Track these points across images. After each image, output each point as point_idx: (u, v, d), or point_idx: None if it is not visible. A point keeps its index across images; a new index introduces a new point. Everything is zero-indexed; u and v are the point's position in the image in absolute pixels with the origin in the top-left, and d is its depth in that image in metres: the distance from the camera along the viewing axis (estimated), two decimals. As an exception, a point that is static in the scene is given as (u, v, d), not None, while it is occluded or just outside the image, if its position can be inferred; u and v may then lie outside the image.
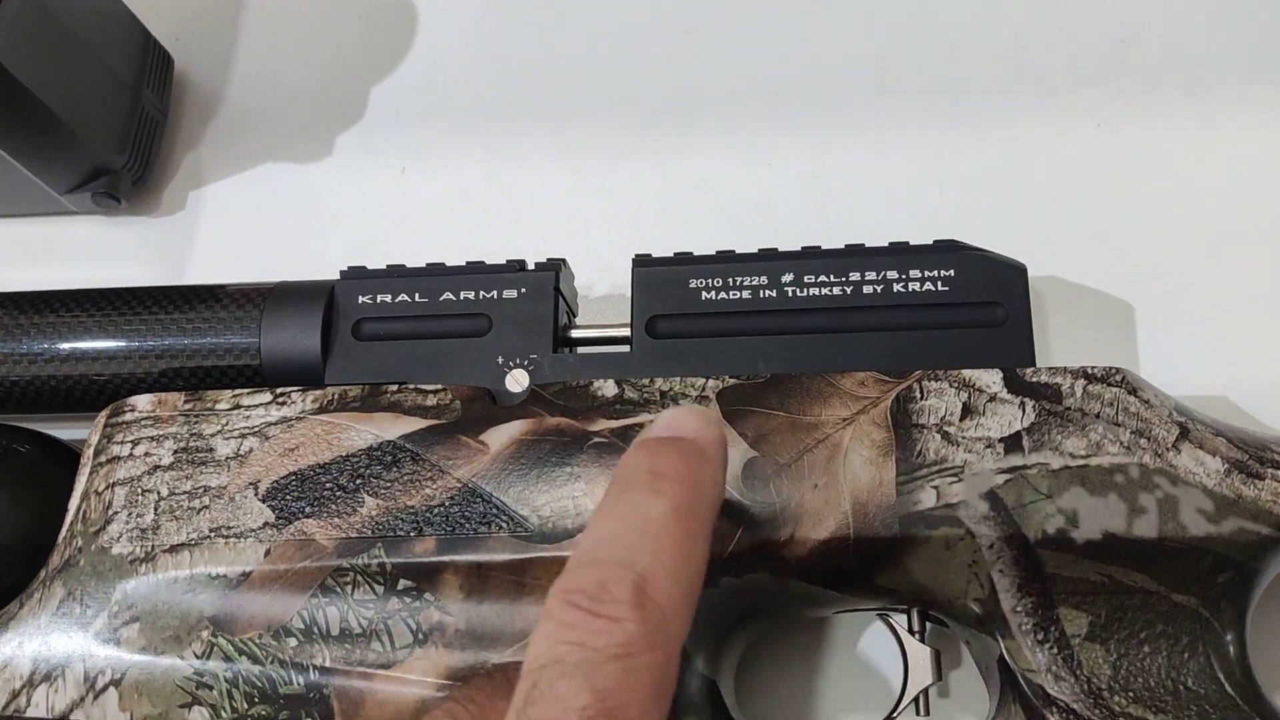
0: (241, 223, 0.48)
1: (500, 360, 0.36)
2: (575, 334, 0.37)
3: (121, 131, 0.46)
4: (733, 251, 0.37)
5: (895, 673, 0.34)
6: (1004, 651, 0.31)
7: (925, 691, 0.33)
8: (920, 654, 0.33)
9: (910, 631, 0.33)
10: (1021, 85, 0.45)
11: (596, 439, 0.33)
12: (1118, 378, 0.32)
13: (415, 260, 0.44)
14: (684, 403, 0.33)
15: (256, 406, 0.35)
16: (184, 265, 0.47)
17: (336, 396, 0.35)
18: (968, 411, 0.32)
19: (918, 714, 0.33)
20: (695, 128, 0.46)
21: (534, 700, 0.23)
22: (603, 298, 0.44)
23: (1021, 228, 0.42)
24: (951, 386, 0.32)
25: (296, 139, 0.49)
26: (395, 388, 0.35)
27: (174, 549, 0.33)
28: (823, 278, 0.35)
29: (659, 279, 0.36)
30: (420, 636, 0.32)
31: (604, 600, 0.24)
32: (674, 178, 0.46)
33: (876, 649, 0.36)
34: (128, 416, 0.35)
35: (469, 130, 0.48)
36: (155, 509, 0.34)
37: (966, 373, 0.33)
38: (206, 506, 0.34)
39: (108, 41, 0.45)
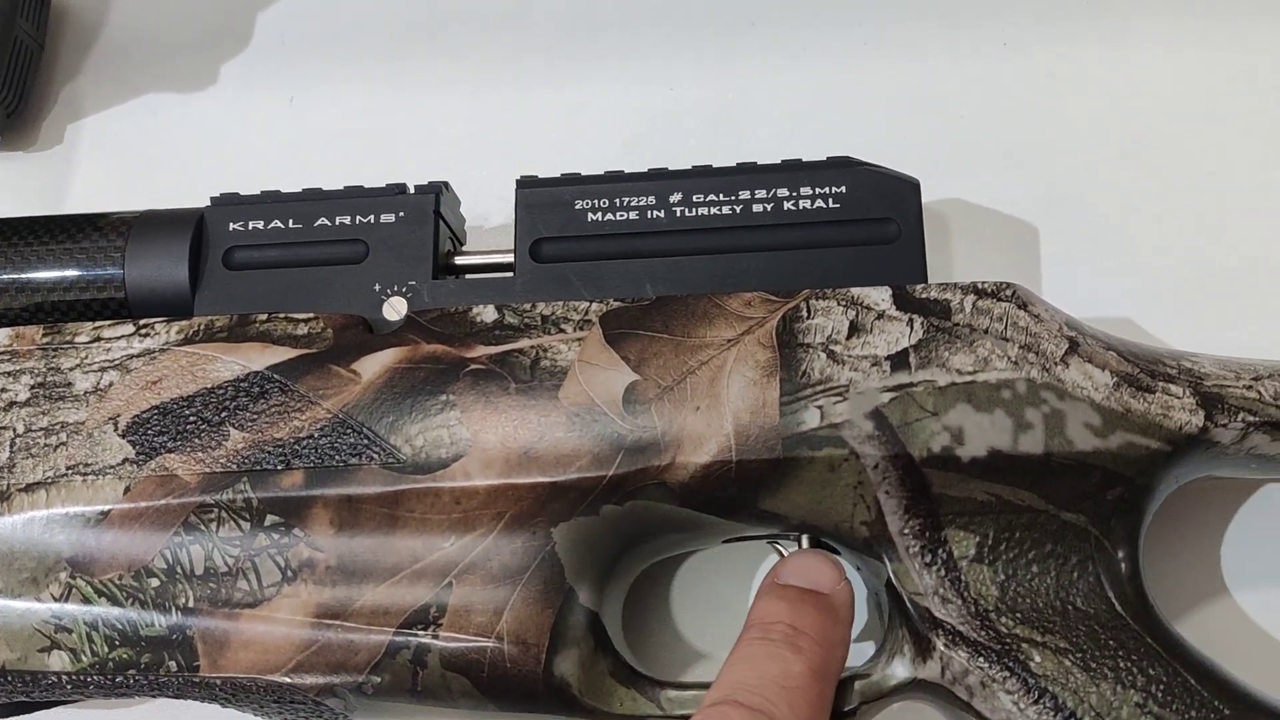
0: (123, 157, 0.46)
1: (377, 288, 0.34)
2: (458, 260, 0.36)
3: (-10, 61, 0.43)
4: (621, 172, 0.35)
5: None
6: (891, 575, 0.30)
7: (816, 619, 0.32)
8: (809, 580, 0.32)
9: (799, 558, 0.32)
10: (927, 3, 0.43)
11: (474, 365, 0.32)
12: (1008, 292, 0.31)
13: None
14: (561, 327, 0.32)
15: (118, 339, 0.33)
16: (61, 201, 0.45)
17: (202, 327, 0.33)
18: (855, 330, 0.31)
19: (810, 643, 0.32)
20: (593, 49, 0.45)
21: None
22: (499, 227, 0.42)
23: (925, 148, 0.41)
24: (840, 305, 0.31)
25: (180, 68, 0.46)
26: (265, 317, 0.33)
27: (30, 488, 0.32)
28: (712, 197, 0.34)
29: (543, 200, 0.35)
30: (289, 574, 0.31)
31: None
32: (572, 102, 0.44)
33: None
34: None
35: (358, 57, 0.46)
36: (11, 447, 0.32)
37: (855, 291, 0.31)
38: (64, 443, 0.32)
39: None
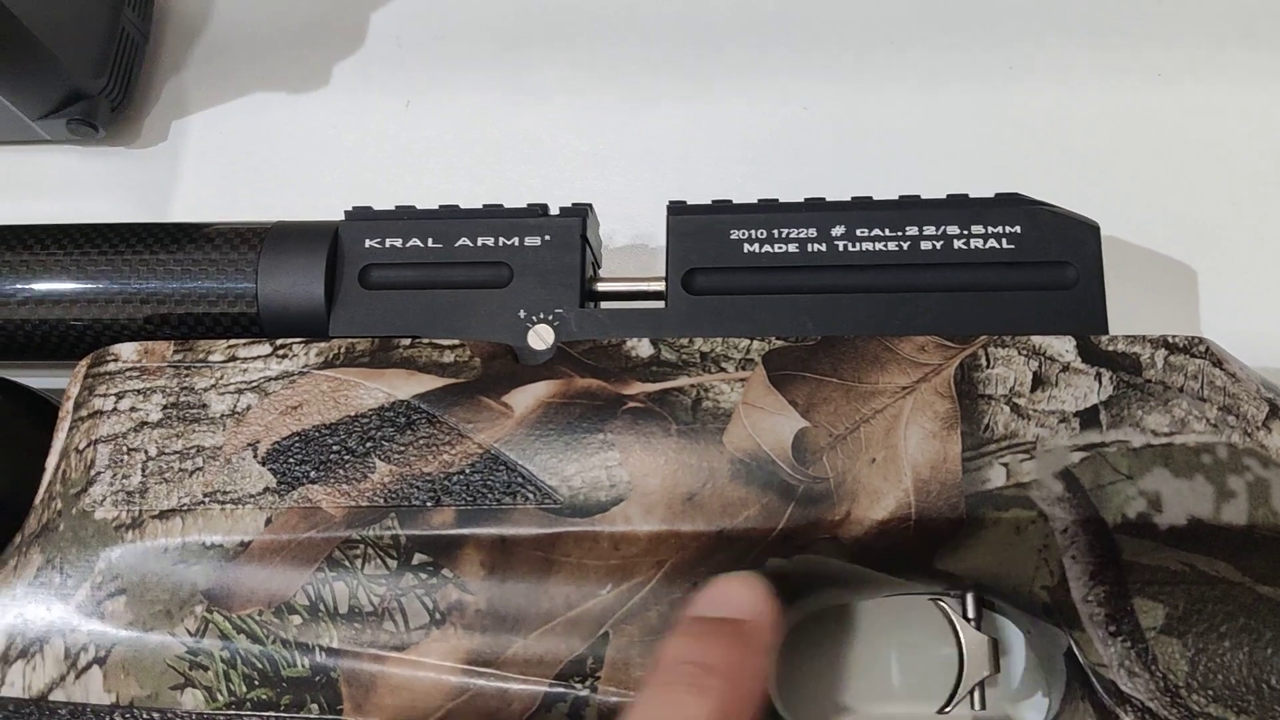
0: (228, 157, 0.44)
1: (522, 314, 0.33)
2: (602, 287, 0.34)
3: (100, 52, 0.42)
4: (776, 200, 0.34)
5: (947, 662, 0.31)
6: (1073, 644, 0.29)
7: (982, 683, 0.31)
8: (977, 643, 0.31)
9: (965, 618, 0.31)
10: (1078, 32, 0.42)
11: (631, 404, 0.30)
12: (1201, 348, 0.30)
13: (422, 201, 0.41)
14: (722, 365, 0.30)
15: (254, 359, 0.32)
16: (166, 201, 0.43)
17: (343, 350, 0.32)
18: (1039, 382, 0.29)
19: (972, 707, 0.31)
20: (723, 64, 0.43)
21: None
22: (625, 247, 0.41)
23: (1073, 182, 0.40)
24: (1020, 354, 0.30)
25: (288, 66, 0.45)
26: (408, 342, 0.32)
27: (164, 515, 0.30)
28: (876, 231, 0.32)
29: (697, 229, 0.33)
30: (438, 616, 0.29)
31: None
32: (700, 118, 0.42)
33: (926, 635, 0.34)
34: (111, 367, 0.32)
35: (475, 62, 0.44)
36: (143, 470, 0.31)
37: (1036, 339, 0.30)
38: (200, 468, 0.31)
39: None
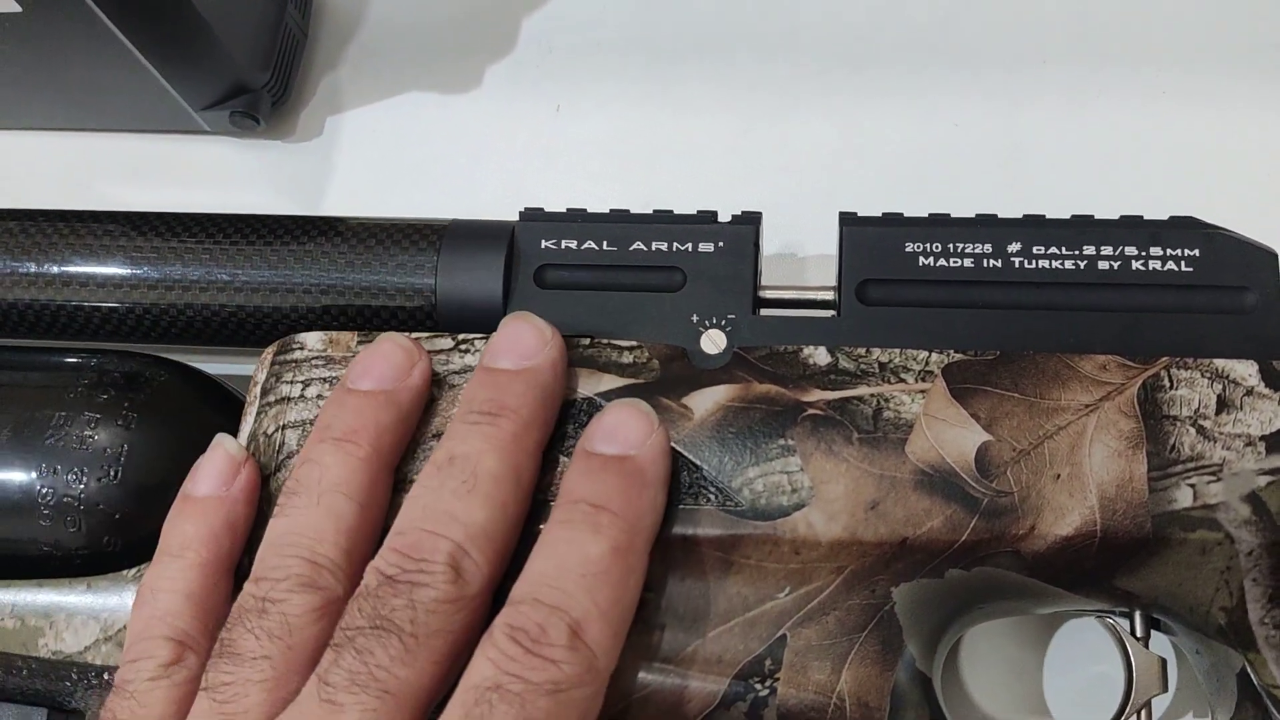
0: (382, 154, 0.45)
1: (695, 318, 0.33)
2: (772, 294, 0.35)
3: (266, 47, 0.43)
4: (948, 215, 0.34)
5: (1113, 679, 0.32)
6: (1247, 665, 0.29)
7: (1149, 702, 0.31)
8: (1147, 661, 0.31)
9: (1135, 636, 0.31)
10: (1232, 55, 0.42)
11: (811, 410, 0.31)
12: (1387, 378, 0.30)
13: (573, 205, 0.42)
14: (901, 376, 0.31)
15: (437, 353, 0.33)
16: (320, 195, 0.45)
17: (526, 347, 0.32)
18: (1223, 405, 0.30)
19: (1139, 725, 0.31)
20: (873, 78, 0.44)
21: (474, 717, 0.25)
22: (774, 256, 0.41)
23: (1229, 209, 0.40)
24: (1204, 376, 0.30)
25: (441, 67, 0.46)
26: (588, 341, 0.33)
27: (353, 500, 0.31)
28: (1053, 249, 0.33)
29: (871, 240, 0.34)
30: (618, 611, 0.30)
31: (542, 642, 0.26)
32: (849, 131, 0.43)
33: (1092, 651, 0.34)
34: (297, 354, 0.33)
35: (626, 68, 0.45)
36: (330, 455, 0.32)
37: (1219, 362, 0.30)
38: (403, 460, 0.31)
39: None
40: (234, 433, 0.33)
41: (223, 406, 0.35)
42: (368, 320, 0.35)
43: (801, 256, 0.41)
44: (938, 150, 0.42)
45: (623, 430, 0.29)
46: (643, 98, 0.44)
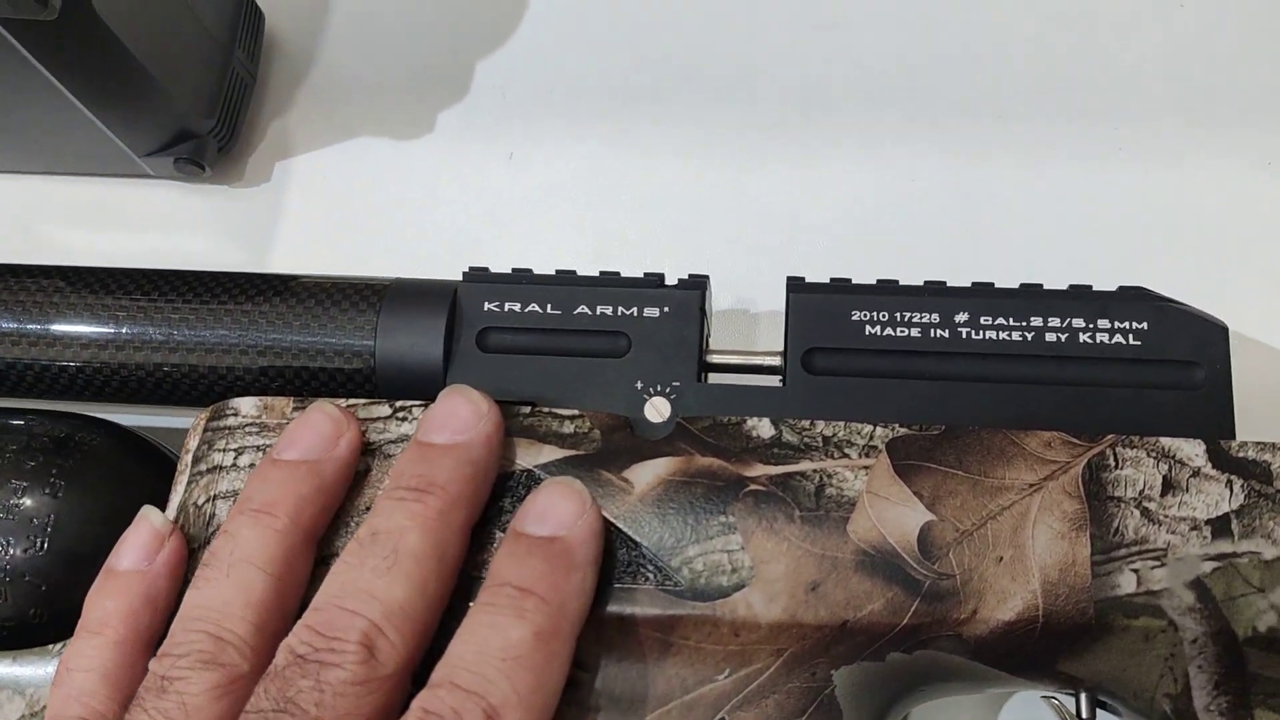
0: (332, 199, 0.44)
1: (639, 385, 0.33)
2: (716, 358, 0.34)
3: (211, 92, 0.42)
4: (896, 282, 0.33)
5: (1055, 758, 0.31)
6: (1192, 752, 0.29)
7: (1093, 783, 0.30)
8: (1091, 744, 0.30)
9: (1079, 717, 0.31)
10: (1187, 115, 0.42)
11: (754, 486, 0.30)
12: (1335, 460, 0.29)
13: (522, 256, 0.42)
14: (845, 451, 0.30)
15: (374, 420, 0.32)
16: (268, 243, 0.44)
17: (462, 416, 0.32)
18: (1169, 486, 0.29)
19: (1083, 808, 0.30)
20: (830, 130, 0.43)
21: None
22: (727, 311, 0.41)
23: (1183, 273, 0.39)
24: (1150, 456, 0.30)
25: (394, 112, 0.45)
26: (528, 410, 0.32)
27: (283, 576, 0.30)
28: (1000, 320, 0.32)
29: (818, 307, 0.33)
30: (553, 693, 0.29)
31: None
32: (806, 183, 0.42)
33: (1035, 730, 0.34)
34: (230, 421, 0.32)
35: (580, 116, 0.44)
36: (261, 528, 0.31)
37: (1165, 441, 0.30)
38: (325, 533, 0.31)
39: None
40: (160, 493, 0.32)
41: (157, 471, 0.34)
42: (306, 383, 0.34)
43: (754, 313, 0.40)
44: (893, 205, 0.42)
45: (553, 511, 0.29)
46: (596, 146, 0.44)
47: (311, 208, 0.44)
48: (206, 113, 0.42)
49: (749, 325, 0.40)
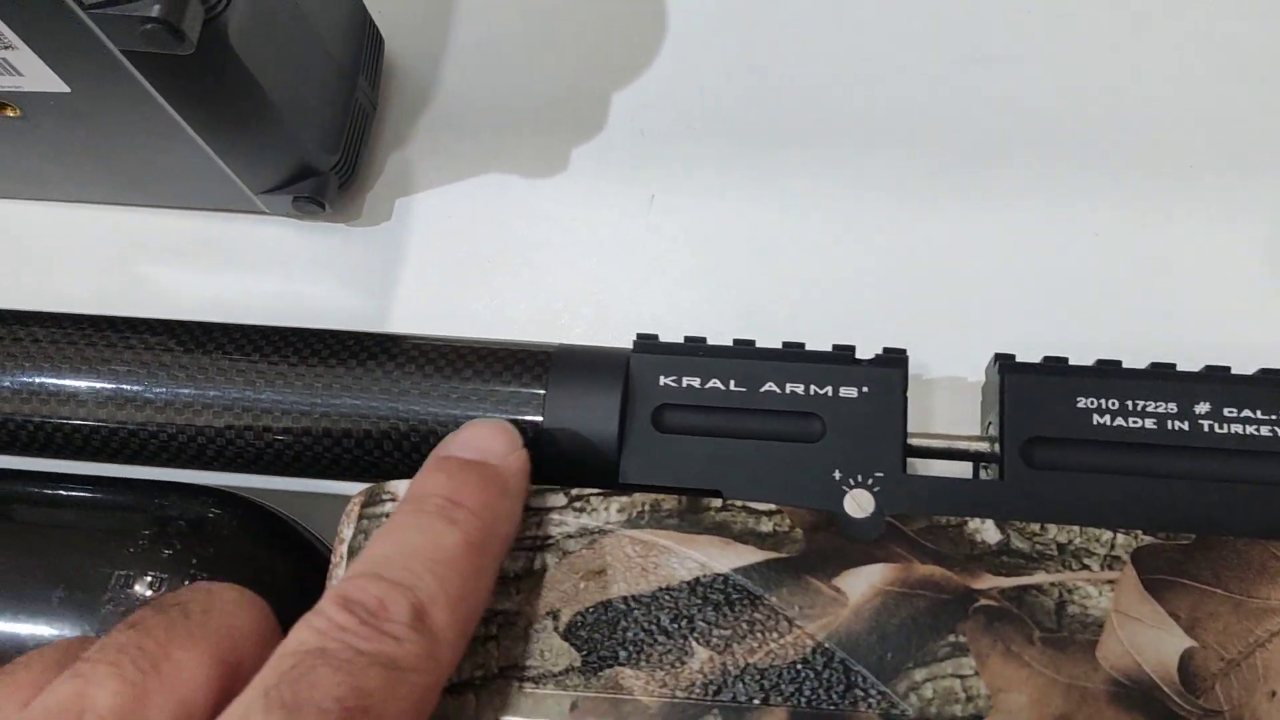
0: (456, 242, 0.41)
1: (837, 475, 0.30)
2: (919, 442, 0.31)
3: (335, 127, 0.39)
4: (1119, 363, 0.30)
5: None
6: None
7: None
8: None
9: None
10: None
11: (984, 600, 0.27)
12: None
13: (663, 305, 0.39)
14: (1084, 561, 0.27)
15: (549, 511, 0.29)
16: (390, 286, 0.41)
17: (648, 508, 0.29)
18: None
19: None
20: (1001, 180, 0.40)
21: (288, 680, 0.22)
22: (896, 378, 0.37)
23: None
24: None
25: (522, 146, 0.42)
26: (719, 503, 0.29)
27: (455, 689, 0.27)
28: (1246, 412, 0.29)
29: (1037, 392, 0.30)
30: (762, 832, 0.26)
31: (381, 617, 0.24)
32: (971, 239, 0.39)
33: None
34: (387, 507, 0.29)
35: (723, 157, 0.41)
36: (429, 634, 0.28)
37: None
38: (494, 637, 0.27)
39: (328, 18, 0.38)
40: (309, 589, 0.29)
41: (299, 556, 0.31)
42: (462, 460, 0.31)
43: (927, 379, 0.37)
44: (1079, 260, 0.38)
45: (483, 443, 0.28)
46: (742, 190, 0.41)
47: (435, 249, 0.41)
48: (331, 148, 0.39)
49: (924, 398, 0.37)
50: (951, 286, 0.39)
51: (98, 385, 0.32)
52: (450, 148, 0.42)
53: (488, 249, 0.41)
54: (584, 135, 0.42)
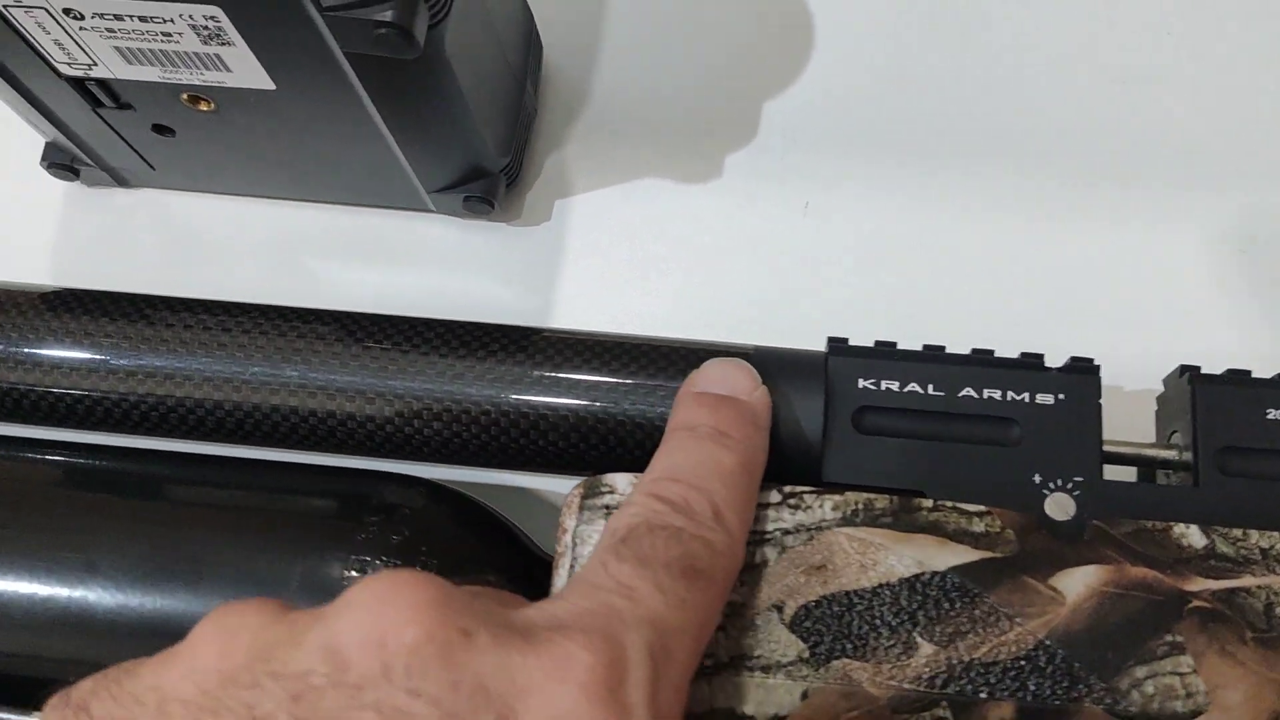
0: (613, 243, 0.42)
1: (1037, 479, 0.31)
2: (1114, 449, 0.32)
3: (508, 129, 0.40)
4: (1303, 377, 0.31)
5: None
6: None
7: None
8: None
9: None
10: None
11: (1196, 602, 0.28)
12: None
13: (828, 317, 0.40)
14: None
15: (765, 507, 0.30)
16: (551, 284, 0.42)
17: (861, 506, 0.30)
18: None
19: None
20: (1146, 192, 0.41)
21: (632, 540, 0.25)
22: (1056, 386, 0.38)
23: None
24: None
25: (676, 149, 0.43)
26: (929, 504, 0.30)
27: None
28: None
29: (1228, 402, 0.31)
30: (988, 819, 0.27)
31: (687, 510, 0.26)
32: (1120, 252, 0.40)
33: None
34: (607, 499, 0.30)
35: (876, 166, 0.42)
36: (661, 623, 0.29)
37: None
38: (722, 627, 0.29)
39: (507, 26, 0.39)
40: (517, 569, 0.30)
41: (506, 540, 0.32)
42: (667, 457, 0.32)
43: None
44: (1226, 277, 0.39)
45: (731, 380, 0.30)
46: (895, 200, 0.42)
47: (593, 250, 0.42)
48: (503, 150, 0.40)
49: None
50: (1105, 301, 0.40)
51: (310, 376, 0.33)
52: (605, 151, 0.43)
53: (646, 251, 0.42)
54: (737, 142, 0.43)
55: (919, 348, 0.33)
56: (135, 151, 0.40)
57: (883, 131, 0.43)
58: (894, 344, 0.33)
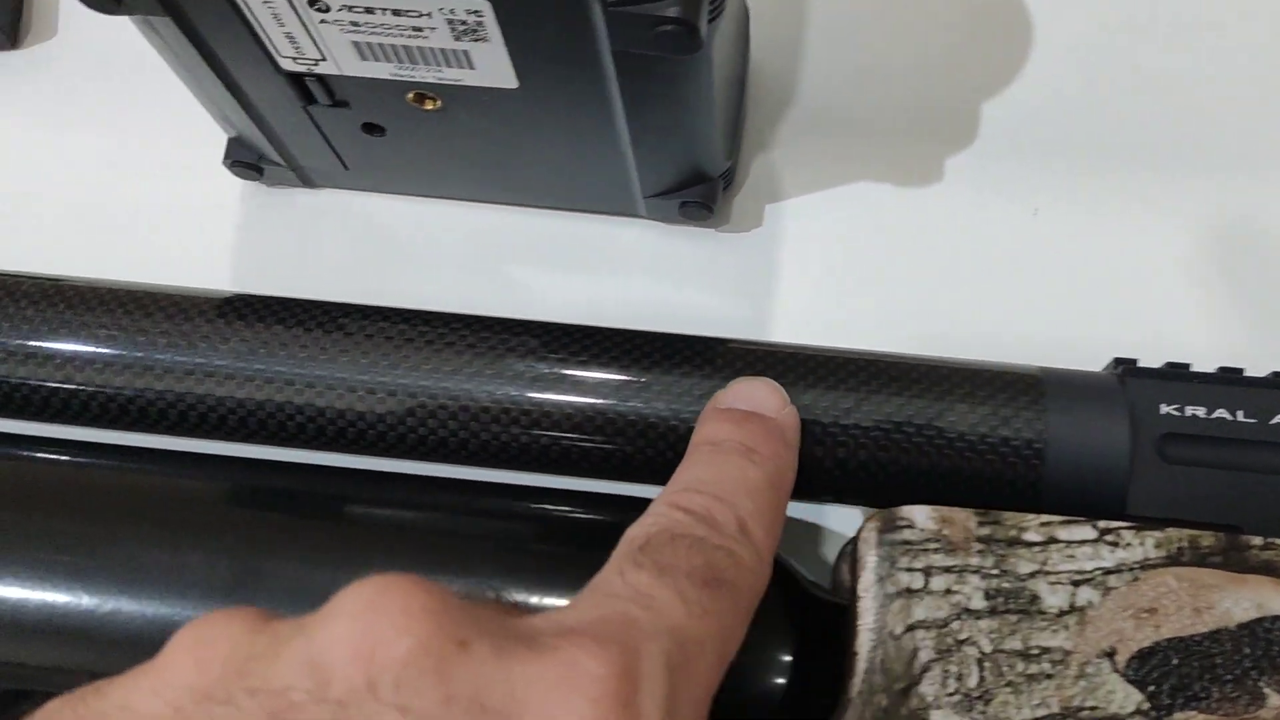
0: (829, 251, 0.40)
1: (1356, 512, 0.29)
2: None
3: (731, 131, 0.38)
4: None
5: None
6: None
7: None
8: None
9: None
10: None
11: None
12: None
13: (1072, 334, 0.37)
14: None
15: (1080, 544, 0.28)
16: (767, 293, 0.40)
17: (1187, 544, 0.28)
18: None
19: None
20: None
21: (649, 547, 0.24)
22: None
23: None
24: None
25: (890, 153, 0.41)
26: (1259, 542, 0.28)
27: (1017, 731, 0.26)
28: None
29: None
30: None
31: (711, 520, 0.25)
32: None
33: None
34: (908, 534, 0.28)
35: (1105, 174, 0.40)
36: (979, 667, 0.27)
37: None
38: (1049, 675, 0.27)
39: (741, 21, 0.37)
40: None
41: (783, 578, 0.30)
42: (951, 485, 0.30)
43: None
44: None
45: (758, 398, 0.29)
46: (1129, 212, 0.39)
47: (809, 256, 0.40)
48: (726, 153, 0.38)
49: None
50: None
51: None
52: (815, 154, 0.41)
53: (865, 258, 0.40)
54: (956, 146, 0.41)
55: (1213, 369, 0.31)
56: (333, 150, 0.38)
57: (1108, 137, 0.40)
58: (1187, 365, 0.31)
